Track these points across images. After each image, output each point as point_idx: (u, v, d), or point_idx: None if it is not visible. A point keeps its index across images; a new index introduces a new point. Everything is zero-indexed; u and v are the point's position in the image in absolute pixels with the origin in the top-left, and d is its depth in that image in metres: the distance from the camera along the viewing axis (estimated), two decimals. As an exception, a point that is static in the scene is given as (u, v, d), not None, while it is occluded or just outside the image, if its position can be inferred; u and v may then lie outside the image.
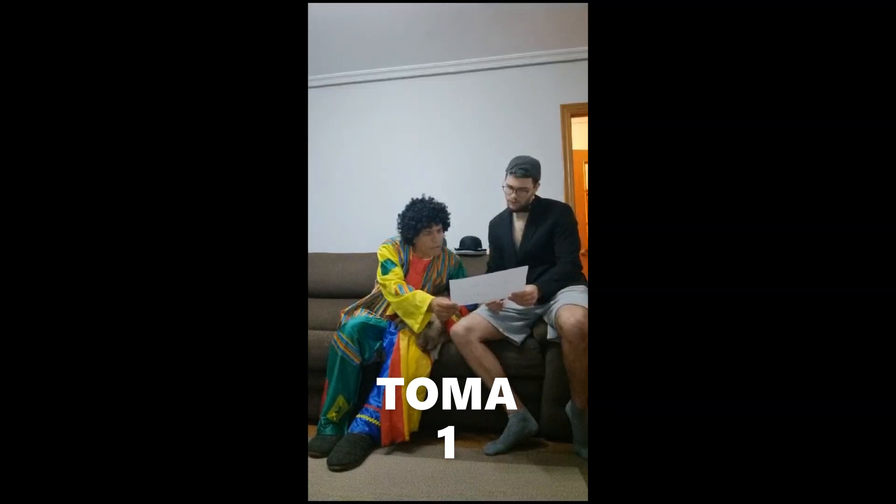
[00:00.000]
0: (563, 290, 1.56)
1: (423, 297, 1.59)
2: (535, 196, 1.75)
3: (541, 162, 1.73)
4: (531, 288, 1.49)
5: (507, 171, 1.69)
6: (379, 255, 1.77)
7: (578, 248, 1.65)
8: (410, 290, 1.64)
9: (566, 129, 2.83)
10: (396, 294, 1.63)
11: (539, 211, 1.71)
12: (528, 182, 1.66)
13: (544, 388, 1.58)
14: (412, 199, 1.79)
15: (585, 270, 2.20)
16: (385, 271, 1.72)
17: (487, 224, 1.89)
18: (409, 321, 1.61)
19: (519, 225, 1.74)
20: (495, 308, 1.60)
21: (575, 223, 1.68)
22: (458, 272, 1.89)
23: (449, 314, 1.59)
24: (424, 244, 1.74)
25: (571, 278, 1.60)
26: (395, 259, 1.75)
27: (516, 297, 1.49)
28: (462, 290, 1.48)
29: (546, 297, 1.55)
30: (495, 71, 2.95)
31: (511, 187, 1.66)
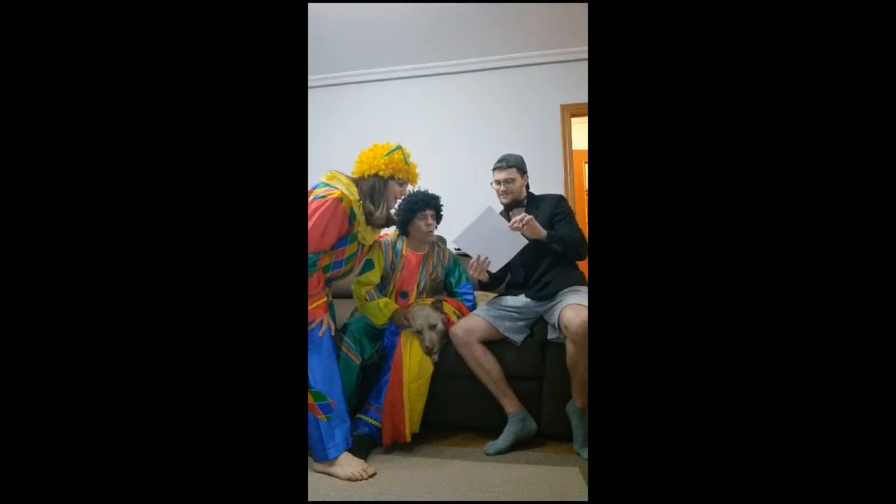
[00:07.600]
0: (566, 291, 1.55)
1: (392, 306, 1.69)
2: (528, 191, 1.78)
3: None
4: (529, 217, 1.50)
5: (492, 171, 1.77)
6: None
7: (580, 230, 1.67)
8: (380, 299, 1.72)
9: (566, 129, 2.83)
10: (365, 300, 1.71)
11: (534, 203, 1.73)
12: (514, 172, 1.70)
13: (544, 388, 1.58)
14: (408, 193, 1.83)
15: (585, 270, 2.18)
16: (363, 270, 1.74)
17: None
18: (372, 320, 1.70)
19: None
20: (479, 267, 1.56)
21: (571, 210, 1.73)
22: (455, 268, 1.90)
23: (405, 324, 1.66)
24: (419, 229, 1.76)
25: (579, 246, 1.60)
26: (377, 259, 1.77)
27: (517, 222, 1.48)
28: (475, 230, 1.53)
29: (549, 240, 1.55)
30: (495, 71, 2.95)
31: (498, 181, 1.72)
